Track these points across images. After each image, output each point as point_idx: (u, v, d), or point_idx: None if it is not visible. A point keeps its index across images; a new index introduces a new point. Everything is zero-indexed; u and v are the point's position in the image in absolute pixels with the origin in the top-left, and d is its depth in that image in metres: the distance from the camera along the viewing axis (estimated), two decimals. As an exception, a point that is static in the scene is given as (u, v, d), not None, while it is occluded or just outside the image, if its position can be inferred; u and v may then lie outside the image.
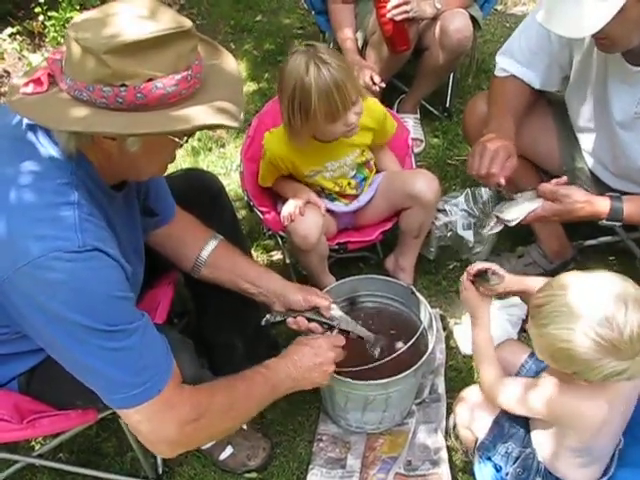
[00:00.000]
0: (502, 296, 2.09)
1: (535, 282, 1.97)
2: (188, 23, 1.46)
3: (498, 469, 1.93)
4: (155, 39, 1.38)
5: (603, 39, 2.03)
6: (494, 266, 2.01)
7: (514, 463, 1.90)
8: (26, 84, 1.47)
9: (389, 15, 2.97)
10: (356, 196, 2.60)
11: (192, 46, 1.46)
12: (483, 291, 2.00)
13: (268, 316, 2.08)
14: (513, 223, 2.20)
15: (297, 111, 2.26)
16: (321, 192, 2.56)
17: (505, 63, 2.49)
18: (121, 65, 1.37)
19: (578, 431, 1.75)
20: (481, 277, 2.01)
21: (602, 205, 2.14)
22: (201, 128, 1.49)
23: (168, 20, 1.43)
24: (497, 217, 2.22)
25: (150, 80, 1.39)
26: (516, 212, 2.19)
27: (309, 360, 1.94)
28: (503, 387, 1.88)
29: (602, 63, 2.24)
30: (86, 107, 1.42)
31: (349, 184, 2.56)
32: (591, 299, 1.57)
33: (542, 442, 1.88)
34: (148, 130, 1.42)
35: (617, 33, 1.97)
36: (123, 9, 1.44)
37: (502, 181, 2.21)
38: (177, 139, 1.54)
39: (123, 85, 1.38)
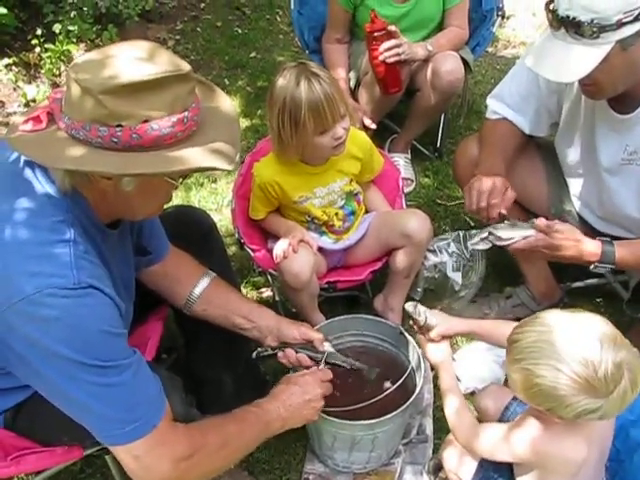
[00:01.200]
0: (451, 337, 2.13)
1: (481, 324, 2.09)
2: (186, 66, 1.48)
3: None
4: (152, 81, 1.40)
5: (589, 85, 2.08)
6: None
7: None
8: (25, 121, 1.49)
9: (381, 57, 3.01)
10: (344, 231, 2.62)
11: (189, 89, 1.48)
12: (428, 336, 2.06)
13: (259, 349, 2.10)
14: (504, 243, 2.20)
15: (287, 122, 2.31)
16: (310, 223, 2.58)
17: (496, 106, 2.54)
18: (117, 105, 1.39)
19: (558, 473, 1.74)
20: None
21: (593, 247, 2.16)
22: (196, 170, 1.52)
23: (166, 62, 1.45)
24: (490, 232, 2.22)
25: (146, 121, 1.41)
26: (510, 233, 2.20)
27: (298, 398, 1.96)
28: (479, 433, 1.85)
29: (590, 110, 2.28)
30: (82, 146, 1.44)
31: (337, 214, 2.57)
32: (567, 336, 1.56)
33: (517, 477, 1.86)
34: (141, 171, 1.44)
35: (603, 80, 2.02)
36: (123, 50, 1.47)
37: (504, 211, 2.24)
38: (172, 180, 1.55)
39: (119, 125, 1.40)
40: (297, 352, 2.09)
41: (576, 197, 2.53)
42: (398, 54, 3.03)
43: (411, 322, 2.11)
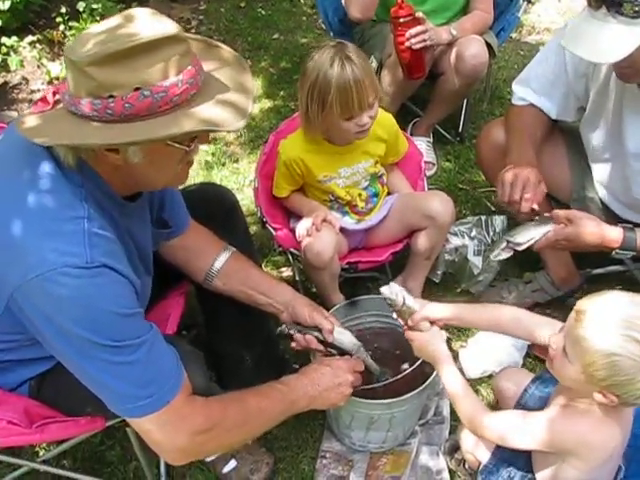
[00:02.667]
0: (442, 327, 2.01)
1: (464, 309, 2.04)
2: (173, 28, 1.44)
3: None
4: (137, 46, 1.38)
5: (626, 67, 2.03)
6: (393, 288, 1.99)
7: None
8: (35, 103, 1.50)
9: (408, 44, 3.00)
10: (366, 212, 2.63)
11: (181, 50, 1.44)
12: (412, 323, 1.97)
13: (283, 327, 2.10)
14: (524, 247, 2.20)
15: (315, 100, 2.31)
16: (333, 203, 2.58)
17: (522, 92, 2.52)
18: (104, 76, 1.38)
19: (587, 462, 1.73)
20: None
21: (614, 234, 2.15)
22: (198, 132, 1.48)
23: (153, 27, 1.42)
24: (508, 241, 2.22)
25: (138, 89, 1.39)
26: (527, 236, 2.19)
27: (329, 380, 1.97)
28: (490, 419, 1.84)
29: (619, 94, 2.26)
30: (81, 121, 1.44)
31: (360, 195, 2.58)
32: None
33: (545, 475, 1.86)
34: (136, 138, 1.41)
35: None
36: (112, 21, 1.45)
37: (535, 206, 2.23)
38: (180, 145, 1.52)
39: (111, 96, 1.39)
40: (320, 342, 2.08)
41: (600, 183, 2.52)
42: (424, 40, 3.02)
43: (389, 306, 2.01)
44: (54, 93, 1.51)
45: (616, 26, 1.89)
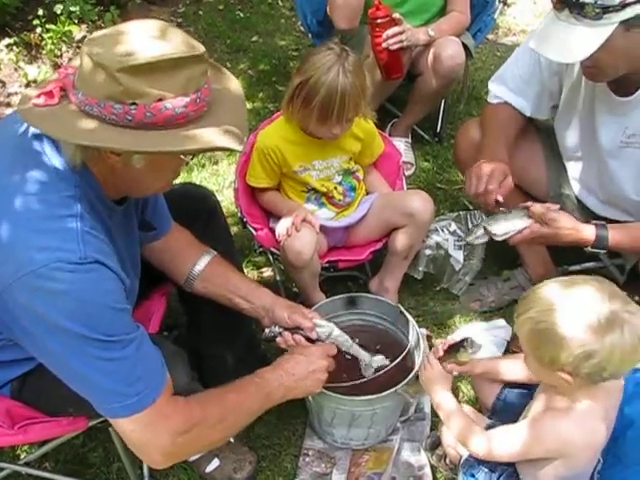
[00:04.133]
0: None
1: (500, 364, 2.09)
2: (201, 48, 1.50)
3: None
4: (168, 61, 1.42)
5: (591, 67, 2.10)
6: (469, 335, 2.05)
7: None
8: (38, 96, 1.50)
9: (385, 44, 3.04)
10: (344, 206, 2.65)
11: (202, 70, 1.50)
12: (451, 368, 2.03)
13: (267, 331, 2.10)
14: (500, 238, 2.25)
15: (300, 97, 2.37)
16: (310, 193, 2.61)
17: (498, 90, 2.56)
18: (133, 84, 1.41)
19: (575, 460, 1.76)
20: (454, 350, 2.03)
21: (588, 233, 2.19)
22: (206, 150, 1.54)
23: (180, 43, 1.47)
24: (485, 228, 2.26)
25: (160, 100, 1.43)
26: (504, 227, 2.24)
27: (302, 368, 1.98)
28: (478, 437, 1.88)
29: (590, 93, 2.31)
30: (95, 122, 1.46)
31: (336, 188, 2.61)
32: (570, 293, 1.65)
33: (530, 473, 1.87)
34: (157, 149, 1.46)
35: (604, 61, 2.04)
36: (136, 28, 1.48)
37: (500, 198, 2.27)
38: (183, 157, 1.59)
39: (133, 103, 1.42)
40: (294, 333, 2.09)
41: (575, 180, 2.56)
42: (401, 41, 3.06)
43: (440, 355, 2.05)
44: (61, 89, 1.51)
45: (579, 27, 1.95)
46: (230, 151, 1.55)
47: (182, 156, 1.59)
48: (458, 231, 2.85)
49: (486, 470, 1.94)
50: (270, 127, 2.62)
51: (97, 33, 1.52)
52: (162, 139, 1.45)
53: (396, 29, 3.05)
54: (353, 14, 3.23)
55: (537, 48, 2.08)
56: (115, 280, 1.58)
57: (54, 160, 1.56)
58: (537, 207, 2.20)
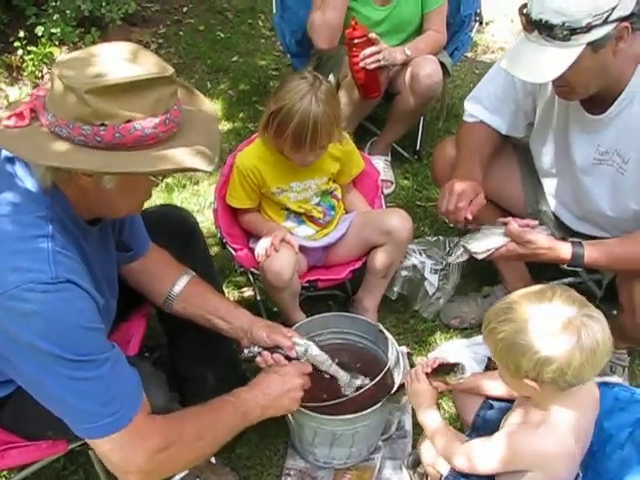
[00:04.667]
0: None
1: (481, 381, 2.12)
2: (169, 69, 1.51)
3: None
4: (136, 82, 1.43)
5: (562, 86, 2.13)
6: (461, 361, 2.05)
7: None
8: (8, 117, 1.50)
9: (362, 64, 3.07)
10: (324, 225, 2.66)
11: (172, 91, 1.51)
12: (437, 385, 2.03)
13: (245, 351, 2.11)
14: (481, 256, 2.26)
15: (274, 127, 2.39)
16: (289, 213, 2.62)
17: (473, 109, 2.59)
18: (101, 105, 1.41)
19: (550, 472, 1.78)
20: (444, 371, 2.03)
21: (564, 251, 2.21)
22: (176, 170, 1.55)
23: (150, 65, 1.48)
24: (464, 247, 2.28)
25: (129, 121, 1.44)
26: (483, 245, 2.25)
27: (277, 387, 1.99)
28: (459, 450, 1.90)
29: (563, 111, 2.34)
30: (65, 143, 1.46)
31: (314, 209, 2.63)
32: (531, 303, 1.69)
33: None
34: (126, 170, 1.46)
35: (575, 81, 2.07)
36: (107, 50, 1.49)
37: (469, 216, 2.29)
38: (154, 178, 1.59)
39: (102, 125, 1.43)
40: (273, 352, 2.09)
41: (552, 197, 2.58)
42: (378, 60, 3.09)
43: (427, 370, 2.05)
44: (31, 110, 1.51)
45: (550, 48, 1.98)
46: (200, 172, 1.55)
47: (153, 177, 1.59)
48: (436, 256, 2.88)
49: None
50: (249, 148, 2.63)
51: (68, 55, 1.54)
52: (131, 160, 1.46)
53: (373, 49, 3.09)
54: (333, 34, 3.25)
55: (509, 69, 2.11)
56: (87, 299, 1.57)
57: (26, 182, 1.56)
58: (514, 227, 2.21)
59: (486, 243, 2.26)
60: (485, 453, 1.85)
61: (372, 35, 3.10)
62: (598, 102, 2.19)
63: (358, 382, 2.21)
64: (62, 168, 1.49)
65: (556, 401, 1.75)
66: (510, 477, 1.85)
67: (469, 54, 4.66)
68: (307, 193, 2.60)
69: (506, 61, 2.14)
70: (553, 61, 1.98)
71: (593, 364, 1.65)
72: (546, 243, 2.22)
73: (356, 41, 3.07)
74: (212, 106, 1.70)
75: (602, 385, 1.94)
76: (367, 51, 3.07)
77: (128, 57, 1.48)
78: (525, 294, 1.74)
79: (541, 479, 1.78)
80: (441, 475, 2.04)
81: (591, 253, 2.21)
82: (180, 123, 1.54)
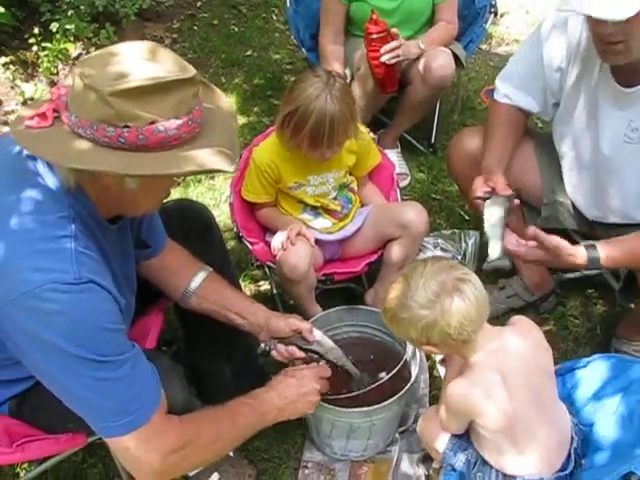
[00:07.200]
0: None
1: None
2: (192, 70, 1.52)
3: (463, 478, 1.97)
4: (159, 84, 1.44)
5: (618, 42, 2.02)
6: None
7: (474, 468, 1.94)
8: (31, 117, 1.51)
9: (383, 59, 3.06)
10: (342, 217, 2.67)
11: (194, 92, 1.52)
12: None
13: (263, 345, 2.12)
14: (498, 260, 2.19)
15: (290, 127, 2.38)
16: (306, 206, 2.63)
17: (504, 88, 2.53)
18: (125, 107, 1.42)
19: (482, 414, 1.84)
20: None
21: (579, 258, 2.16)
22: (201, 172, 1.57)
23: (172, 65, 1.49)
24: (489, 262, 2.20)
25: (152, 123, 1.44)
26: (494, 245, 2.18)
27: (294, 391, 1.99)
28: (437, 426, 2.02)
29: (593, 87, 2.28)
30: (88, 144, 1.47)
31: (331, 202, 2.63)
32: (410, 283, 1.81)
33: (474, 442, 1.97)
34: (151, 172, 1.47)
35: (637, 33, 1.98)
36: (128, 50, 1.50)
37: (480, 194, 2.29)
38: (176, 178, 1.61)
39: (126, 126, 1.43)
40: (300, 349, 2.11)
41: (570, 180, 2.53)
42: (398, 55, 3.09)
43: None
44: (54, 110, 1.52)
45: None
46: (224, 172, 1.56)
47: (176, 178, 1.61)
48: (452, 249, 2.87)
49: (463, 460, 1.97)
50: (265, 143, 2.62)
51: (90, 55, 1.55)
52: (155, 161, 1.46)
53: (394, 44, 3.08)
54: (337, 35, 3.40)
55: (579, 9, 2.00)
56: (110, 300, 1.58)
57: (48, 181, 1.57)
58: (531, 232, 2.18)
59: (493, 242, 2.19)
60: (442, 413, 1.96)
61: (394, 30, 3.10)
62: (632, 73, 2.13)
63: (367, 379, 2.23)
64: (86, 170, 1.50)
65: (468, 349, 1.84)
66: (473, 434, 1.95)
67: (484, 46, 4.63)
68: (325, 187, 2.60)
69: (569, 2, 2.03)
70: None
71: (471, 319, 1.75)
72: (561, 251, 2.16)
73: (375, 36, 3.06)
74: (229, 102, 1.70)
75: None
76: (388, 46, 3.05)
77: (149, 57, 1.48)
78: (402, 273, 1.87)
79: (484, 423, 1.85)
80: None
81: (606, 254, 2.16)
82: (202, 123, 1.54)
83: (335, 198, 2.64)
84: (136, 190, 1.58)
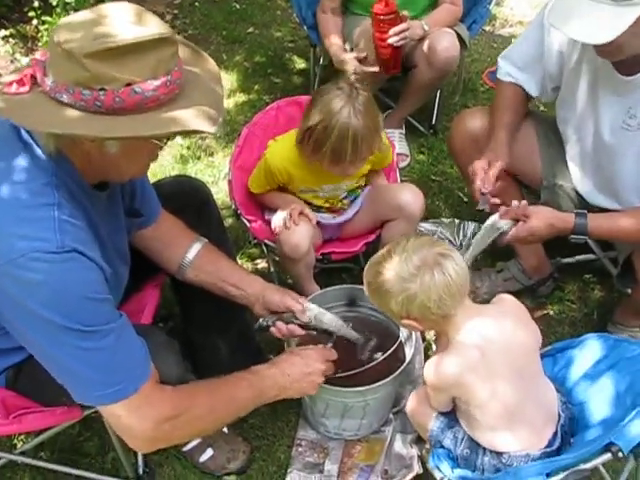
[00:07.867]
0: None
1: None
2: (168, 30, 1.48)
3: (451, 455, 1.97)
4: (134, 45, 1.40)
5: (608, 47, 2.00)
6: None
7: (461, 445, 1.95)
8: (9, 84, 1.48)
9: (391, 41, 3.03)
10: (344, 210, 2.66)
11: (172, 52, 1.48)
12: None
13: (261, 320, 2.12)
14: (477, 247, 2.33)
15: (311, 142, 2.33)
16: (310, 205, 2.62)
17: (506, 67, 2.53)
18: (100, 69, 1.39)
19: (462, 390, 1.84)
20: None
21: (565, 222, 2.22)
22: (179, 133, 1.53)
23: (149, 26, 1.45)
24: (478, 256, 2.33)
25: (129, 85, 1.41)
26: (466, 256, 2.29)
27: (299, 370, 1.99)
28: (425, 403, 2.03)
29: (592, 74, 2.27)
30: (66, 109, 1.44)
31: (340, 202, 2.64)
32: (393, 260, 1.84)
33: (460, 419, 1.97)
34: (125, 134, 1.44)
35: (626, 42, 1.97)
36: (107, 13, 1.46)
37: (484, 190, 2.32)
38: (156, 141, 1.57)
39: (102, 89, 1.40)
40: (302, 327, 2.11)
41: (573, 163, 2.53)
42: (405, 38, 3.07)
43: None
44: (32, 76, 1.49)
45: (606, 7, 1.89)
46: (204, 133, 1.53)
47: (156, 140, 1.57)
48: (449, 237, 2.87)
49: (451, 437, 1.97)
50: (283, 146, 2.54)
51: (67, 18, 1.51)
52: (133, 124, 1.44)
53: (403, 26, 3.04)
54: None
55: (557, 24, 2.00)
56: (94, 269, 1.57)
57: (31, 149, 1.55)
58: (514, 209, 2.24)
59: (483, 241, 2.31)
60: (428, 391, 1.98)
61: (404, 13, 3.07)
62: (631, 62, 2.11)
63: (373, 343, 2.22)
64: (64, 134, 1.48)
65: (449, 324, 1.85)
66: (459, 412, 1.96)
67: (487, 28, 4.59)
68: (337, 192, 2.59)
69: (554, 17, 2.02)
70: (609, 21, 1.88)
71: (451, 294, 1.77)
72: (545, 214, 2.22)
73: (384, 17, 3.02)
74: (215, 65, 1.65)
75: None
76: (397, 28, 3.02)
77: (128, 19, 1.45)
78: (387, 248, 1.90)
79: (466, 398, 1.86)
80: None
81: (594, 223, 2.20)
82: (182, 84, 1.51)
83: (345, 197, 2.63)
84: (117, 154, 1.55)
